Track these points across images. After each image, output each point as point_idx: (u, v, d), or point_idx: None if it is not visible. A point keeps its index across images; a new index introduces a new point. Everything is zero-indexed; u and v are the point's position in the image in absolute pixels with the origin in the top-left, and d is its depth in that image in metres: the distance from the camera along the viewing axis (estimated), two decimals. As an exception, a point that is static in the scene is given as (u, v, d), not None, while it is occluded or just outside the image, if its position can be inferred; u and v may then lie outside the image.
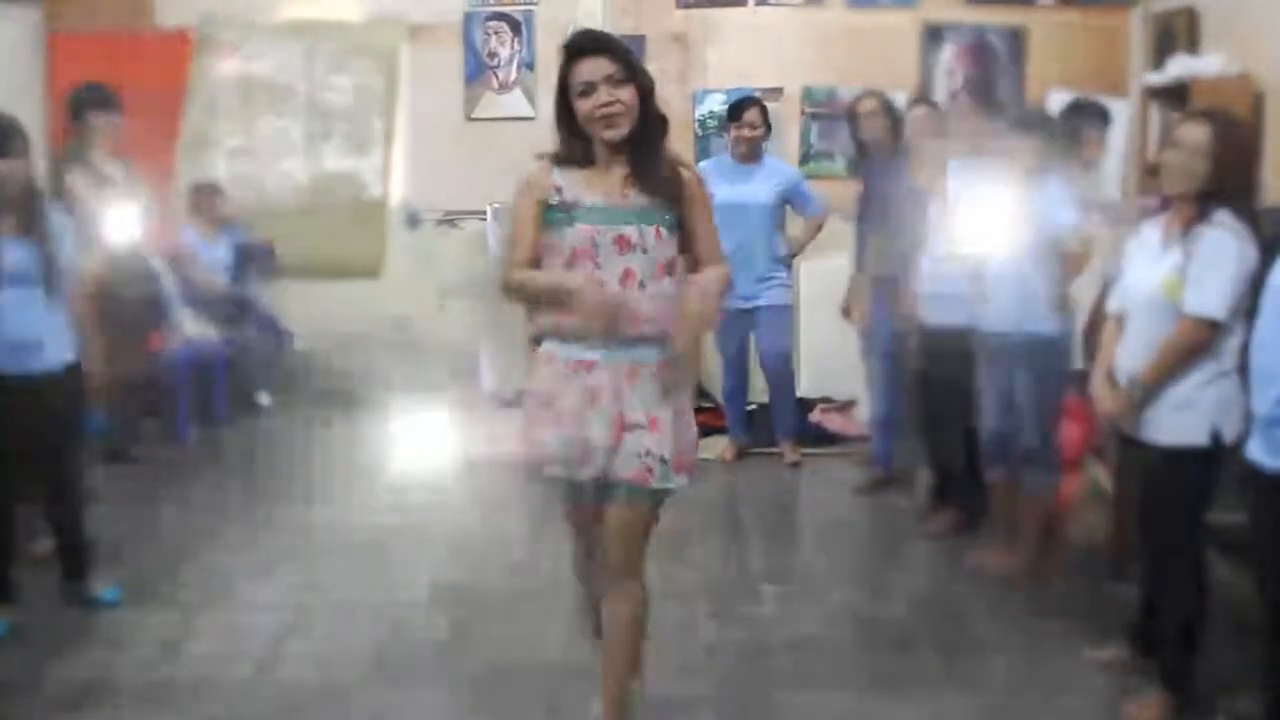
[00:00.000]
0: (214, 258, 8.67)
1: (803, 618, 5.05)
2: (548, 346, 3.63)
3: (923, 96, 7.09)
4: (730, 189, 6.92)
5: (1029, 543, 5.40)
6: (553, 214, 3.55)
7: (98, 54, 8.52)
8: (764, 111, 7.31)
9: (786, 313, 7.45)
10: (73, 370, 4.96)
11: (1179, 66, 6.92)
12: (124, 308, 6.31)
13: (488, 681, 4.45)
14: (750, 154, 7.27)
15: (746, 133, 7.21)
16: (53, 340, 4.88)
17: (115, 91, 6.72)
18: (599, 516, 3.66)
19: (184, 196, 8.78)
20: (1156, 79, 7.22)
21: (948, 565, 5.66)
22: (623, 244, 3.53)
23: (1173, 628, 4.11)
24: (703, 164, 7.53)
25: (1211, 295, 3.87)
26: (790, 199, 7.34)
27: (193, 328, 8.26)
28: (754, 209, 7.14)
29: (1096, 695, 4.30)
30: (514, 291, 3.67)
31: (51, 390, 4.87)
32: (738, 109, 7.31)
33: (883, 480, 6.77)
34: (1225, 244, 3.86)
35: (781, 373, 7.45)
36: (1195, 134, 3.94)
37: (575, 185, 3.56)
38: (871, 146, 6.72)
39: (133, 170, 6.87)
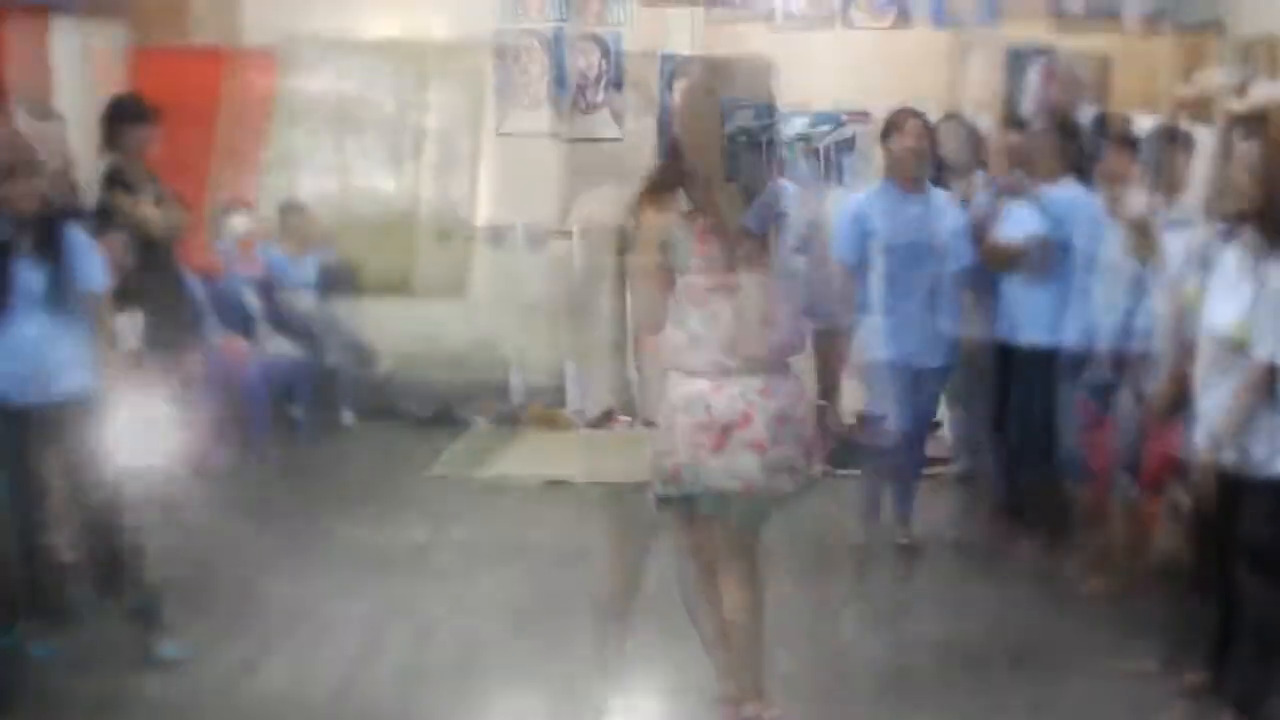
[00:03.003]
0: (300, 277, 8.71)
1: (881, 644, 5.05)
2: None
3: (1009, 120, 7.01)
4: (898, 226, 5.96)
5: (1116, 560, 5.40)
6: None
7: (180, 70, 8.47)
8: (926, 124, 6.18)
9: (950, 373, 6.32)
10: (93, 396, 4.75)
11: (1260, 93, 6.94)
12: (159, 324, 6.09)
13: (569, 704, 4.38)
14: (915, 177, 6.06)
15: (910, 143, 6.00)
16: (68, 366, 4.68)
17: (151, 104, 6.48)
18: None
19: (271, 216, 8.84)
20: (1239, 105, 7.21)
21: (1027, 587, 5.63)
22: None
23: (1252, 652, 4.08)
24: (857, 197, 6.33)
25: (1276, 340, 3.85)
26: (956, 239, 6.10)
27: (274, 346, 8.29)
28: (933, 249, 6.00)
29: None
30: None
31: (71, 418, 4.69)
32: (896, 120, 6.11)
33: (1007, 512, 6.34)
34: None
35: (922, 444, 6.54)
36: (1245, 151, 3.94)
37: None
38: (949, 167, 6.65)
39: (165, 186, 6.45)
